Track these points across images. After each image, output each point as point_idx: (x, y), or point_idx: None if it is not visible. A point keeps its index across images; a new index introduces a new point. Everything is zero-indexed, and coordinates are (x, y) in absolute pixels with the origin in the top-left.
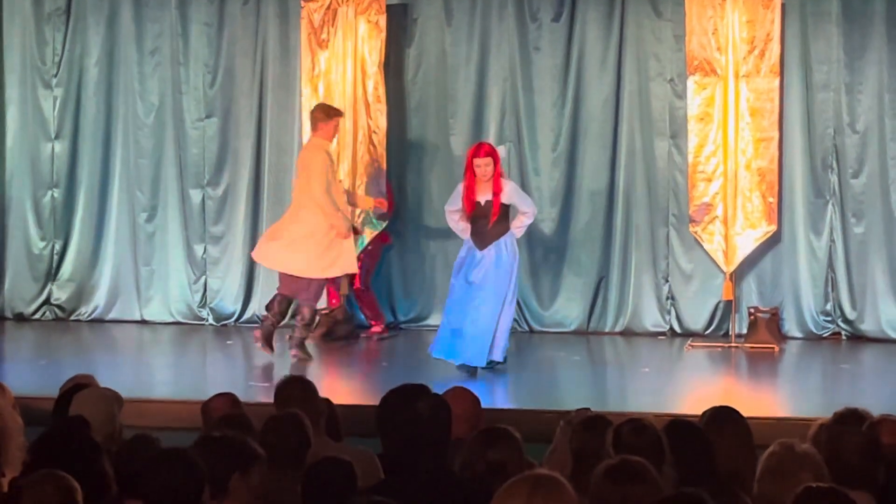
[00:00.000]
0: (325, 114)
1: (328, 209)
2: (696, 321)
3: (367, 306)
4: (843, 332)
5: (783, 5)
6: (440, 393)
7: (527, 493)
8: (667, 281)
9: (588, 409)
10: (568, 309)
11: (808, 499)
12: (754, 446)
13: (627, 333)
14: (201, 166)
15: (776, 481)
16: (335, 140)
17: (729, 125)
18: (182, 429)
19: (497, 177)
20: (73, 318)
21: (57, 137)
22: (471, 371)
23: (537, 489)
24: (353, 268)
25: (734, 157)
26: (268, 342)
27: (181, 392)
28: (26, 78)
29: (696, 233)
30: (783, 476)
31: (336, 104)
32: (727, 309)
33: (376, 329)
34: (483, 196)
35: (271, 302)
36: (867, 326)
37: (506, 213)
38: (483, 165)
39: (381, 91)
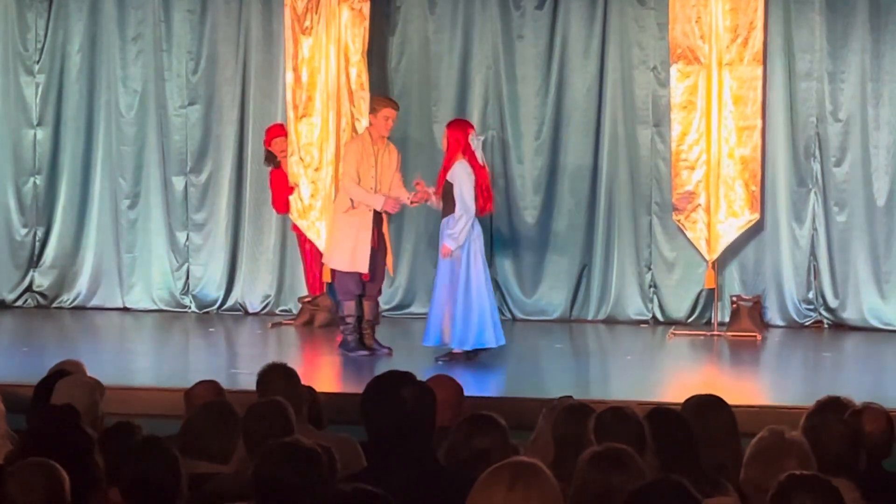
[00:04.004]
0: (371, 107)
1: (357, 197)
2: (679, 309)
3: None
4: (825, 321)
5: None
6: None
7: (508, 481)
8: (649, 269)
9: (570, 396)
10: (551, 297)
11: (791, 485)
12: (738, 434)
13: (610, 321)
14: (184, 153)
15: (763, 467)
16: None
17: (712, 113)
18: (164, 416)
19: (450, 153)
20: (55, 305)
21: (39, 124)
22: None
23: (518, 477)
24: (364, 268)
25: (717, 145)
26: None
27: (163, 379)
28: (8, 65)
29: (678, 221)
30: (770, 462)
31: (319, 92)
32: (710, 297)
33: None
34: None
35: None
36: (849, 315)
37: (449, 193)
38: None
39: (365, 78)
